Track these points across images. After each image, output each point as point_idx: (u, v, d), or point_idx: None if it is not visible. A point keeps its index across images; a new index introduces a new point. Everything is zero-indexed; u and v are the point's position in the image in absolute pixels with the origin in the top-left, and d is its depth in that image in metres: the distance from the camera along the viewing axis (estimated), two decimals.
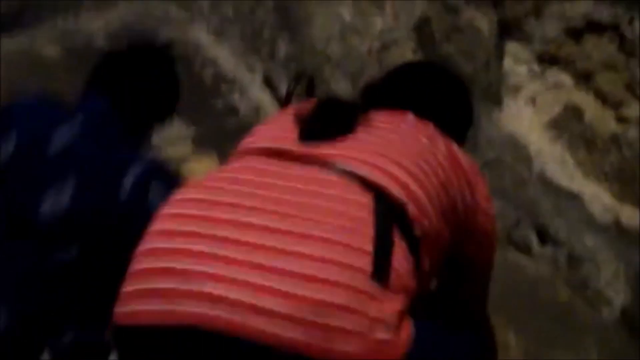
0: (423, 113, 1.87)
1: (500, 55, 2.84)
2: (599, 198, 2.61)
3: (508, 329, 2.63)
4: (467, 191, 1.82)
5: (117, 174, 2.01)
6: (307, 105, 1.82)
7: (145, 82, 2.25)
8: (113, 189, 1.99)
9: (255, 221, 1.53)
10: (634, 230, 2.52)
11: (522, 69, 2.79)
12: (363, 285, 1.46)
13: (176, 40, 4.39)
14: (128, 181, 2.00)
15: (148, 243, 1.59)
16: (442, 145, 1.80)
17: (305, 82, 2.16)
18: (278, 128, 1.82)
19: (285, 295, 1.43)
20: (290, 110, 1.86)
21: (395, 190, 1.62)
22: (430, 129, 1.84)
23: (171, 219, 1.61)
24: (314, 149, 1.69)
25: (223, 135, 3.76)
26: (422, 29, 3.04)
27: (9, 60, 4.09)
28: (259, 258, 1.47)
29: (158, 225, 1.61)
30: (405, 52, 3.11)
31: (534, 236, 2.83)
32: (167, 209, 1.64)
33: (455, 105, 2.05)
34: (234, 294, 1.43)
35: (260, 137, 1.83)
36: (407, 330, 1.50)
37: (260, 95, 4.04)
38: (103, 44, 4.33)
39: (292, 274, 1.45)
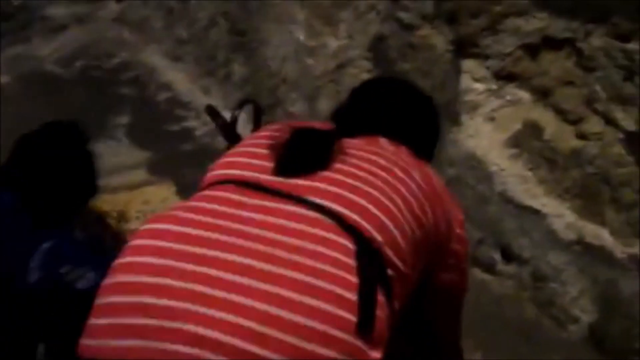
0: (394, 133, 1.80)
1: (457, 72, 2.81)
2: (561, 215, 2.58)
3: (475, 349, 2.59)
4: (442, 219, 1.74)
5: (23, 259, 1.97)
6: (281, 131, 1.70)
7: (57, 170, 2.17)
8: (21, 275, 1.95)
9: (235, 258, 1.45)
10: (598, 247, 2.49)
11: (480, 86, 2.75)
12: (349, 339, 1.42)
13: (130, 63, 4.34)
14: (35, 263, 1.96)
15: (116, 276, 1.49)
16: (417, 172, 1.73)
17: (251, 109, 2.09)
18: (252, 156, 1.70)
19: (268, 339, 1.38)
20: (263, 134, 1.75)
21: (373, 232, 1.56)
22: (403, 153, 1.76)
23: (141, 251, 1.51)
24: (291, 182, 1.60)
25: (179, 161, 3.70)
26: (377, 48, 3.00)
27: None
28: (242, 298, 1.40)
29: (127, 257, 1.51)
30: (361, 72, 3.07)
31: (498, 255, 2.79)
32: (136, 241, 1.54)
33: (423, 122, 1.97)
34: (215, 334, 1.37)
35: (234, 164, 1.70)
36: None
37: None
38: (54, 68, 4.27)
39: (277, 320, 1.39)
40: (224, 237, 1.49)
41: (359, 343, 1.42)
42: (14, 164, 2.16)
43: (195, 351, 1.36)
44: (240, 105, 2.09)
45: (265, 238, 1.48)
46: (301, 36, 3.33)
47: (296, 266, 1.44)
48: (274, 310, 1.39)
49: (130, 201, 3.39)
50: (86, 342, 1.46)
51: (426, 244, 1.69)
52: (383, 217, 1.58)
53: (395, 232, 1.59)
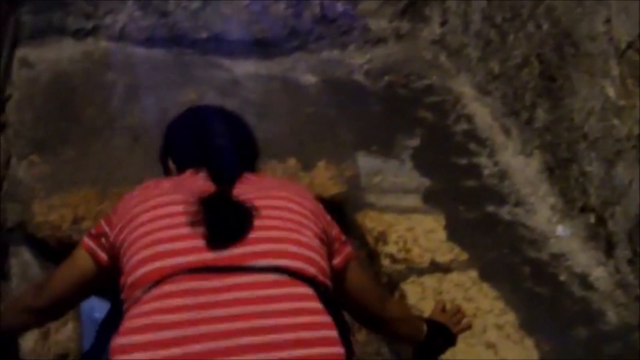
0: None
1: None
2: None
3: None
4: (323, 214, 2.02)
5: None
6: (182, 204, 1.83)
7: None
8: None
9: (242, 341, 1.63)
10: None
11: None
12: None
13: (438, 88, 4.25)
14: None
15: None
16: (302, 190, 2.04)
17: None
18: (174, 239, 1.77)
19: None
20: (166, 200, 1.87)
21: (311, 269, 1.77)
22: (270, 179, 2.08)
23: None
24: (231, 254, 1.74)
25: (457, 195, 3.54)
26: None
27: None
28: None
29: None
30: None
31: None
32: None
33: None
34: None
35: (161, 254, 1.75)
36: None
37: (509, 161, 3.77)
38: (361, 78, 4.27)
39: None
40: (220, 326, 1.64)
41: None
42: None
43: None
44: None
45: (253, 313, 1.65)
46: (611, 93, 3.05)
47: (292, 328, 1.66)
48: None
49: (395, 224, 3.29)
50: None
51: (328, 243, 1.94)
52: (309, 252, 1.80)
53: (318, 258, 1.82)
